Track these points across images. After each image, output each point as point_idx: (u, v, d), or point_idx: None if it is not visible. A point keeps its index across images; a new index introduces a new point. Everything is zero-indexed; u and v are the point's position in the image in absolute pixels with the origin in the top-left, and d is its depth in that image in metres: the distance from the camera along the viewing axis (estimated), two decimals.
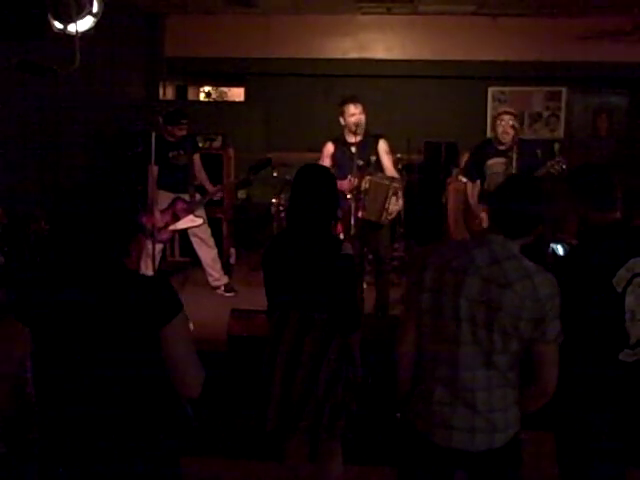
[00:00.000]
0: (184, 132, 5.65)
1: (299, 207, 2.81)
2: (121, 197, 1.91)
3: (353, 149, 4.83)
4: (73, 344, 1.82)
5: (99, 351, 1.81)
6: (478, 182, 5.12)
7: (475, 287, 2.03)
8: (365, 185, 4.72)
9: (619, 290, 2.29)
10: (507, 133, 4.89)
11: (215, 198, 5.93)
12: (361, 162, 4.76)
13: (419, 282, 2.13)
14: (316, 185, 2.81)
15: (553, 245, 2.65)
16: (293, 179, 2.89)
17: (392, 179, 4.87)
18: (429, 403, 2.12)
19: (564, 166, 4.60)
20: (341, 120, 4.97)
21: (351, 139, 4.91)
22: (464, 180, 5.41)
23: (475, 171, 5.12)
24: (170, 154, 5.59)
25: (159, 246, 5.56)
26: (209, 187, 5.87)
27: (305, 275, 2.73)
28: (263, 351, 2.84)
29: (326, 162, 4.99)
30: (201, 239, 5.80)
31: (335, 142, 5.03)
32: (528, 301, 1.99)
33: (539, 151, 5.61)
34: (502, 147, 4.94)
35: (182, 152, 5.67)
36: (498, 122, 4.96)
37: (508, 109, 5.06)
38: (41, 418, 1.90)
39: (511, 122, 4.89)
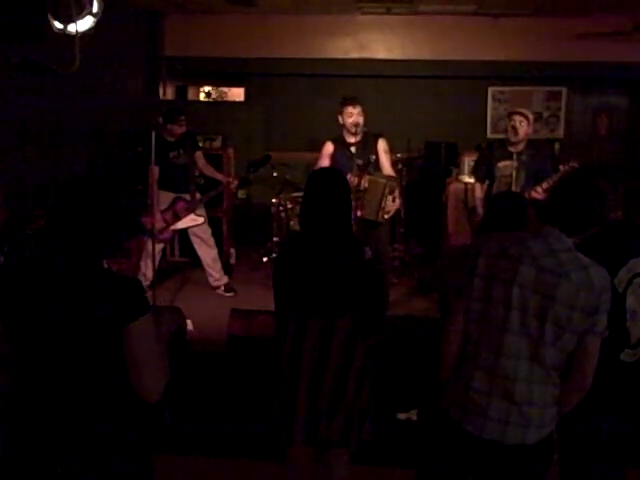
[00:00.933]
0: (183, 129, 5.68)
1: (319, 212, 2.71)
2: (105, 198, 1.92)
3: (353, 149, 4.86)
4: (39, 337, 1.86)
5: (62, 345, 1.85)
6: (486, 184, 5.03)
7: (530, 276, 2.03)
8: (364, 184, 4.74)
9: (620, 290, 2.30)
10: (515, 133, 4.79)
11: (232, 187, 5.95)
12: (360, 162, 4.78)
13: (472, 268, 2.11)
14: (335, 189, 2.74)
15: None
16: (307, 183, 2.80)
17: (389, 178, 4.89)
18: (467, 390, 2.11)
19: (577, 166, 4.45)
20: (340, 119, 4.98)
21: (350, 139, 4.93)
22: (471, 180, 5.38)
23: (484, 172, 5.03)
24: (170, 154, 5.61)
25: (159, 246, 5.56)
26: (219, 176, 5.93)
27: (328, 282, 2.64)
28: (276, 360, 2.75)
29: (325, 162, 5.01)
30: (201, 239, 5.81)
31: (335, 142, 5.04)
32: (583, 291, 2.00)
33: (557, 145, 5.53)
34: (512, 148, 4.83)
35: (182, 151, 5.68)
36: (508, 121, 4.89)
37: (521, 110, 4.91)
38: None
39: (524, 124, 4.78)
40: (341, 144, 4.98)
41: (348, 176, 4.68)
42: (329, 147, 5.05)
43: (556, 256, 2.04)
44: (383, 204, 4.79)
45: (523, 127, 4.80)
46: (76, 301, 1.83)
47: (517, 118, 4.82)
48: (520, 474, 2.14)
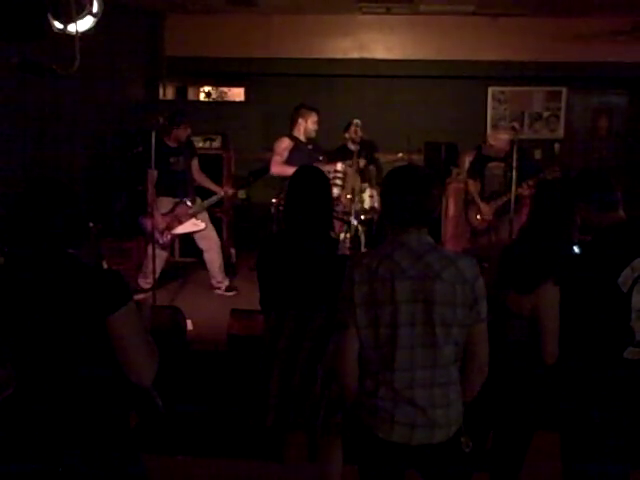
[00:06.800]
0: (188, 132, 5.61)
1: (296, 208, 2.85)
2: (70, 194, 1.96)
3: (310, 146, 5.67)
4: (23, 331, 1.89)
5: (48, 340, 1.87)
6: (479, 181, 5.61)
7: (406, 289, 2.06)
8: (342, 168, 5.34)
9: (625, 290, 2.32)
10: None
11: (229, 194, 5.90)
12: (321, 157, 5.55)
13: (350, 298, 2.13)
14: (313, 186, 2.86)
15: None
16: (289, 181, 2.93)
17: None
18: (373, 398, 2.15)
19: (558, 174, 5.05)
20: (300, 121, 5.63)
21: (303, 139, 5.66)
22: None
23: (477, 171, 5.63)
24: (170, 159, 5.54)
25: (163, 254, 5.57)
26: (213, 187, 5.85)
27: (302, 275, 2.77)
28: (260, 350, 2.88)
29: (283, 155, 5.57)
30: (209, 244, 5.77)
31: (292, 138, 5.65)
32: (458, 286, 2.05)
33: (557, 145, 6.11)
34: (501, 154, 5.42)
35: (181, 158, 5.62)
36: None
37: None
38: None
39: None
40: (298, 142, 5.62)
41: (328, 166, 5.26)
42: (287, 142, 5.63)
43: (423, 260, 2.08)
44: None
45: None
46: (56, 296, 1.86)
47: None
48: (434, 472, 2.20)
